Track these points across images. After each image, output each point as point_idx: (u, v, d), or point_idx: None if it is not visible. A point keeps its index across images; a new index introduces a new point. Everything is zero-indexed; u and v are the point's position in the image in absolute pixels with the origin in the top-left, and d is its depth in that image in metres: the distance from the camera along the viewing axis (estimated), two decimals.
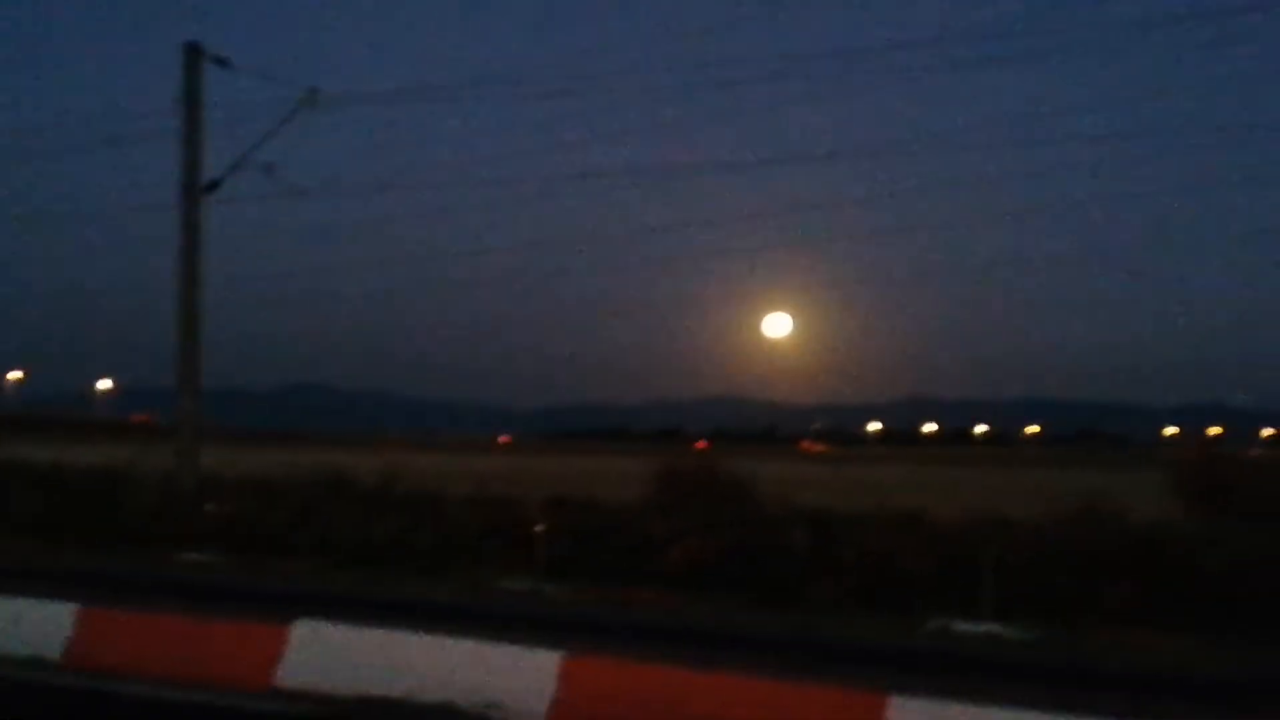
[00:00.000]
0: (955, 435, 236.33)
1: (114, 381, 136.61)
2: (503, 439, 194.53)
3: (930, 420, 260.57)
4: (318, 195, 39.97)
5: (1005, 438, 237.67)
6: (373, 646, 11.01)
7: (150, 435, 61.26)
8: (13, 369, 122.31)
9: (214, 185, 26.91)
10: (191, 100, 26.77)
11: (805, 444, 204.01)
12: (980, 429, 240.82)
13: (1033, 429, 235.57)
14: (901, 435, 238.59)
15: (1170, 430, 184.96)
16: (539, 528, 20.25)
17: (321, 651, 11.03)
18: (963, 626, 16.25)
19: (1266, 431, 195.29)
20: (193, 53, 27.02)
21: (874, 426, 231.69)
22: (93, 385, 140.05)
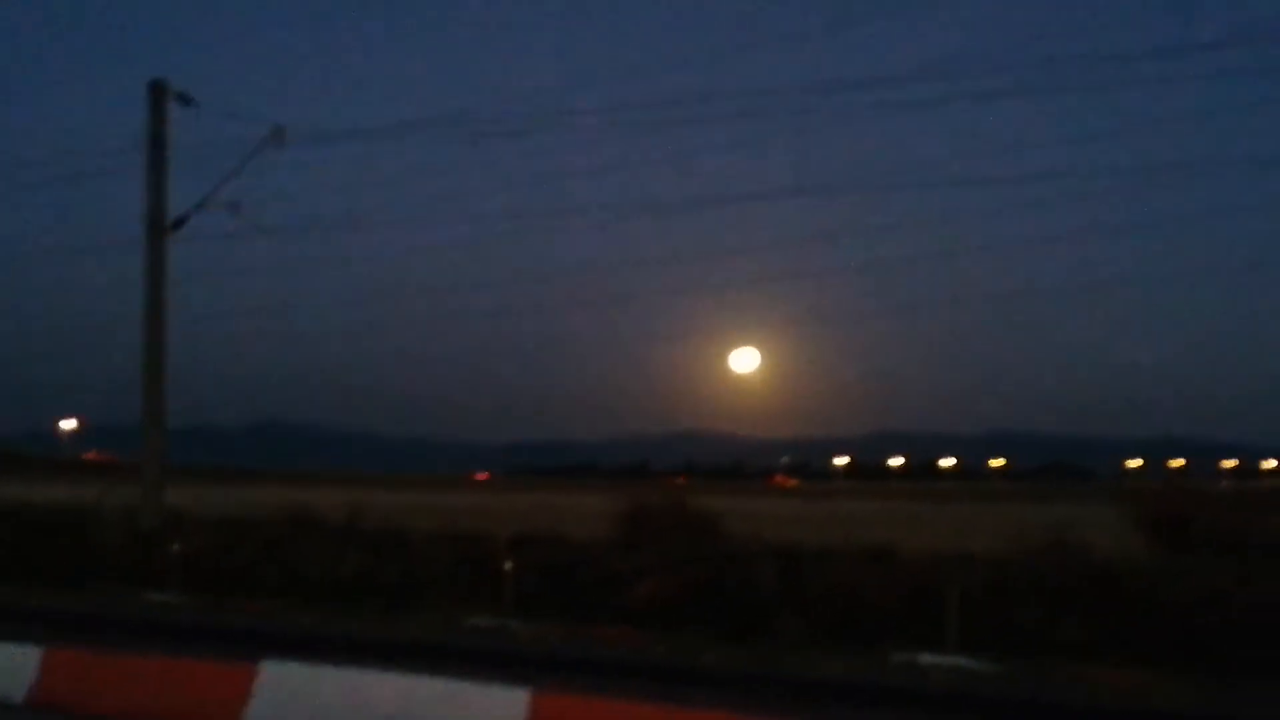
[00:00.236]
0: (923, 468, 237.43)
1: (79, 420, 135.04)
2: (480, 476, 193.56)
3: (898, 454, 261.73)
4: (284, 232, 39.94)
5: (972, 471, 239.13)
6: (342, 686, 10.98)
7: (113, 473, 60.74)
8: None
9: (180, 222, 26.90)
10: (156, 137, 26.77)
11: (777, 479, 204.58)
12: (947, 462, 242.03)
13: (999, 462, 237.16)
14: (869, 469, 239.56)
15: (1134, 462, 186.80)
16: (507, 565, 20.27)
17: (290, 691, 10.99)
18: (929, 659, 16.38)
19: (1228, 463, 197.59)
20: (157, 90, 27.02)
21: (842, 460, 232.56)
22: (57, 423, 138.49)
